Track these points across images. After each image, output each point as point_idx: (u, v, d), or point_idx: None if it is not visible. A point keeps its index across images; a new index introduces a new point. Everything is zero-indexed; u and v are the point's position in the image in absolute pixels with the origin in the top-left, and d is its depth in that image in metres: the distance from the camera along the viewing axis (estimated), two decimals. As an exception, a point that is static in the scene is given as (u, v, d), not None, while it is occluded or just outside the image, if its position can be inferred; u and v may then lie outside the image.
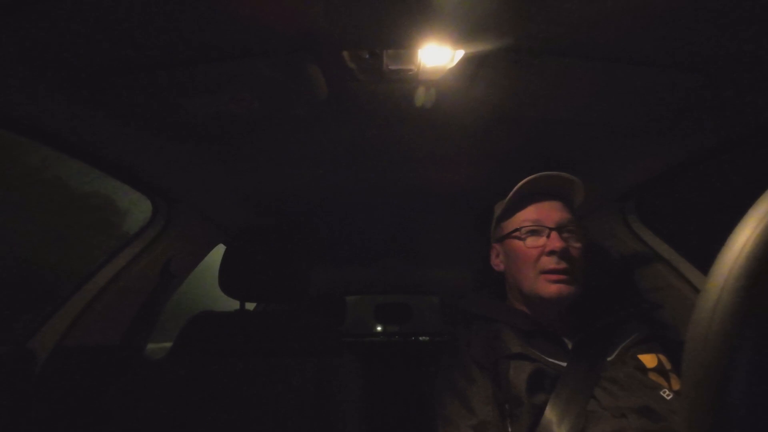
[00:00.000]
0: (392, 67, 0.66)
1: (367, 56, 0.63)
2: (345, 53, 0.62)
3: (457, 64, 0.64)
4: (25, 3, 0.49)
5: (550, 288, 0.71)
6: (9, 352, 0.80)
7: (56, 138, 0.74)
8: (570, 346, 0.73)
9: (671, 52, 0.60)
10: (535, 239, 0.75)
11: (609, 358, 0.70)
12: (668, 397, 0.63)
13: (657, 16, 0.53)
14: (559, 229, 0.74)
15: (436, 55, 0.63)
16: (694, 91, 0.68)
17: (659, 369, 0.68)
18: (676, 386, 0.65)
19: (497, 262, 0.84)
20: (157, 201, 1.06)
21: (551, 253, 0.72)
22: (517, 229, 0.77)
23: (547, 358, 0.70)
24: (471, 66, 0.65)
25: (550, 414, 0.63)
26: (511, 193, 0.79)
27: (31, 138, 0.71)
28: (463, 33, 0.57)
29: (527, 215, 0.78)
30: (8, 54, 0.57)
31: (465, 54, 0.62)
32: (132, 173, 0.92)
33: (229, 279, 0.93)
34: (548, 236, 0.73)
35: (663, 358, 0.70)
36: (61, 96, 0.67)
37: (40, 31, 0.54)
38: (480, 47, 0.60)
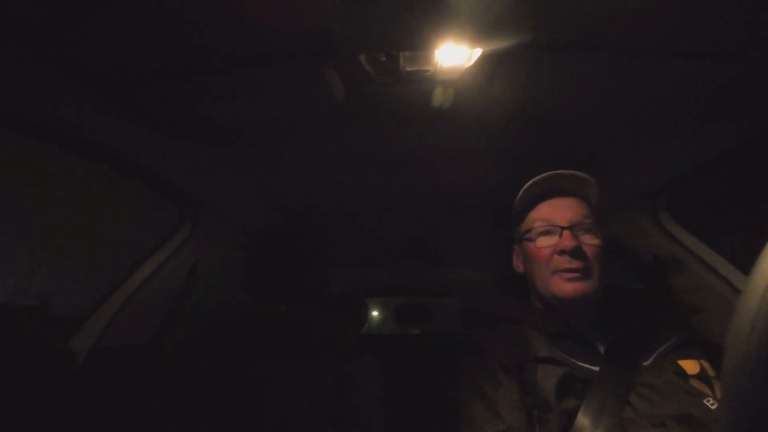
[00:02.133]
0: (409, 68, 0.66)
1: (384, 58, 0.64)
2: (362, 56, 0.63)
3: (475, 62, 0.63)
4: (58, 21, 0.52)
5: (564, 286, 0.70)
6: (53, 351, 0.85)
7: (87, 146, 0.78)
8: (602, 349, 0.70)
9: (705, 40, 0.57)
10: (547, 239, 0.74)
11: (645, 363, 0.67)
12: (713, 407, 0.59)
13: (686, 5, 0.51)
14: (572, 227, 0.72)
15: (454, 54, 0.62)
16: (731, 81, 0.64)
17: (702, 376, 0.64)
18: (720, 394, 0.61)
19: (517, 264, 0.84)
20: (184, 206, 1.10)
21: (562, 252, 0.71)
22: (529, 230, 0.77)
23: (576, 362, 0.67)
24: (489, 64, 0.64)
25: (582, 420, 0.60)
26: (519, 195, 0.79)
27: (62, 146, 0.75)
28: (481, 31, 0.57)
29: (539, 215, 0.77)
30: (42, 67, 0.61)
31: (483, 52, 0.61)
32: (161, 179, 0.95)
33: (251, 280, 0.95)
34: (560, 235, 0.72)
35: (706, 364, 0.66)
36: (92, 106, 0.70)
37: (71, 45, 0.58)
38: (498, 45, 0.59)
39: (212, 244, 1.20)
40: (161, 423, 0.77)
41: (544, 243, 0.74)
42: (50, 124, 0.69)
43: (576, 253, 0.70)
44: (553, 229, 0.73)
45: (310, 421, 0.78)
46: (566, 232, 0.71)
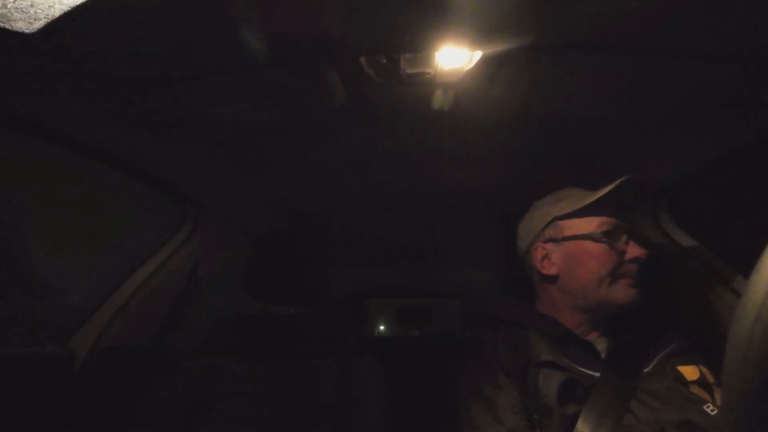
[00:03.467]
0: (409, 70, 0.66)
1: (385, 61, 0.64)
2: (362, 59, 0.63)
3: (476, 65, 0.63)
4: (59, 25, 0.52)
5: (629, 292, 0.70)
6: (52, 352, 0.85)
7: (89, 148, 0.78)
8: (603, 355, 0.70)
9: (706, 42, 0.57)
10: (614, 243, 0.72)
11: (646, 369, 0.67)
12: (712, 413, 0.59)
13: (689, 5, 0.51)
14: (631, 235, 0.73)
15: (454, 57, 0.62)
16: (733, 83, 0.64)
17: (701, 382, 0.64)
18: (720, 401, 0.61)
19: (546, 264, 0.78)
20: (185, 206, 1.10)
21: (634, 260, 0.70)
22: (595, 232, 0.73)
23: (578, 368, 0.67)
24: (490, 66, 0.64)
25: (582, 426, 0.60)
26: (607, 189, 0.72)
27: (65, 149, 0.75)
28: (481, 33, 0.57)
29: (606, 218, 0.74)
30: (42, 67, 0.61)
31: (483, 55, 0.61)
32: (162, 180, 0.96)
33: (253, 282, 0.95)
34: (626, 242, 0.72)
35: (705, 370, 0.66)
36: (94, 108, 0.71)
37: (72, 45, 0.58)
38: (499, 47, 0.59)
39: (213, 245, 1.20)
40: (162, 424, 0.78)
41: (613, 247, 0.72)
42: (51, 124, 0.70)
43: (644, 261, 0.70)
44: (621, 234, 0.73)
45: (312, 422, 0.78)
46: (632, 240, 0.72)
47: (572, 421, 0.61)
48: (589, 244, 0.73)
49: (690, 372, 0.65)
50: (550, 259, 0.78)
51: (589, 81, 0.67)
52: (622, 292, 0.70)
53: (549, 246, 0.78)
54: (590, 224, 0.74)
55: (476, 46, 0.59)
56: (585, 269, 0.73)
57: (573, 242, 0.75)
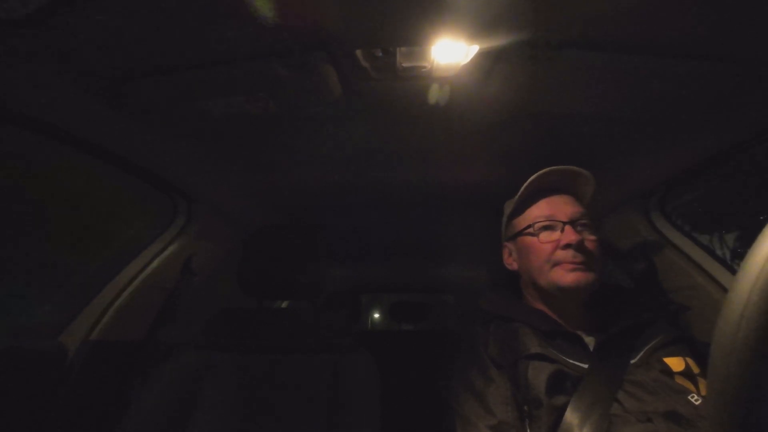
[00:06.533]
0: (405, 64, 0.65)
1: (380, 54, 0.63)
2: (358, 52, 0.63)
3: (472, 60, 0.63)
4: (51, 15, 0.51)
5: (567, 277, 0.71)
6: (43, 346, 0.84)
7: (80, 141, 0.77)
8: (591, 347, 0.71)
9: (700, 41, 0.57)
10: (549, 234, 0.75)
11: (633, 361, 0.68)
12: (697, 402, 0.60)
13: (684, 4, 0.51)
14: (573, 222, 0.74)
15: (450, 51, 0.62)
16: (726, 82, 0.64)
17: (686, 373, 0.65)
18: (704, 391, 0.62)
19: (510, 261, 0.85)
20: (178, 200, 1.09)
21: (567, 246, 0.72)
22: (529, 226, 0.77)
23: (567, 359, 0.68)
24: (486, 61, 0.64)
25: (570, 416, 0.61)
26: (521, 190, 0.79)
27: (56, 142, 0.74)
28: (478, 28, 0.57)
29: (539, 211, 0.78)
30: (35, 61, 0.60)
31: (480, 49, 0.61)
32: (154, 174, 0.95)
33: (246, 276, 0.95)
34: (562, 230, 0.73)
35: (690, 361, 0.67)
36: (85, 100, 0.69)
37: (65, 39, 0.57)
38: (495, 42, 0.59)
39: (207, 240, 1.19)
40: (155, 419, 0.77)
41: (547, 238, 0.74)
42: (44, 119, 0.68)
43: (579, 246, 0.71)
44: (555, 224, 0.75)
45: (305, 416, 0.78)
46: (568, 227, 0.73)
47: (561, 412, 0.62)
48: (528, 239, 0.78)
49: (675, 363, 0.66)
50: (511, 255, 0.85)
51: (584, 79, 0.68)
52: (560, 277, 0.72)
53: (509, 244, 0.85)
54: (526, 219, 0.80)
55: (472, 40, 0.59)
56: (529, 261, 0.77)
57: (520, 238, 0.80)
